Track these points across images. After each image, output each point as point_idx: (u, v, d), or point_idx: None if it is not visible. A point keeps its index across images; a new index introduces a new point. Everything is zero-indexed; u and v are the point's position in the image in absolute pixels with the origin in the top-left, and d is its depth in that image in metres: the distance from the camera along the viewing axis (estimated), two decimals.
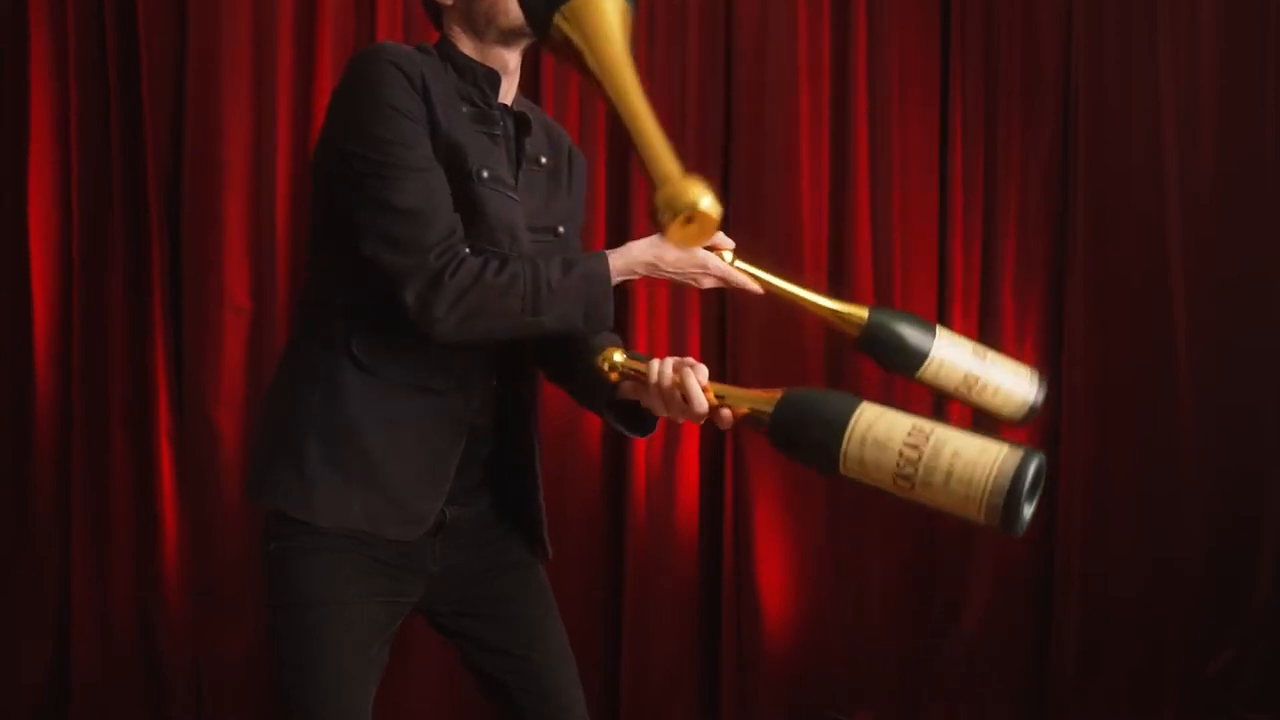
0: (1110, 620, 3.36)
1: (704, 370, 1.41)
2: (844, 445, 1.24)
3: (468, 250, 1.42)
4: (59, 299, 2.74)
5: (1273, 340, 3.38)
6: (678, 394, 1.41)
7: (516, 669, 1.64)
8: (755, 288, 1.52)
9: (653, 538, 3.07)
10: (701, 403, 1.40)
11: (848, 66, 3.21)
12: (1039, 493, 1.20)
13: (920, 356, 1.53)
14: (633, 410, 1.51)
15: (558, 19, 1.35)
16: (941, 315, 3.27)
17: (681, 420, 1.45)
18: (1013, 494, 1.15)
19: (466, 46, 1.55)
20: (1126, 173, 3.38)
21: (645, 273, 1.48)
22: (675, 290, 3.03)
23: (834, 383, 3.18)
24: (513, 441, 1.63)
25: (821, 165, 3.19)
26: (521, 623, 1.66)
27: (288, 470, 1.48)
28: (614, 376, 1.47)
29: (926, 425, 1.22)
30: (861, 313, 1.54)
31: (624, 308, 2.99)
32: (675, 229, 1.30)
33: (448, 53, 1.54)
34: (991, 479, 1.16)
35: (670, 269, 1.47)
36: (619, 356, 1.47)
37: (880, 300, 3.19)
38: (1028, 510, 1.19)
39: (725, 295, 3.11)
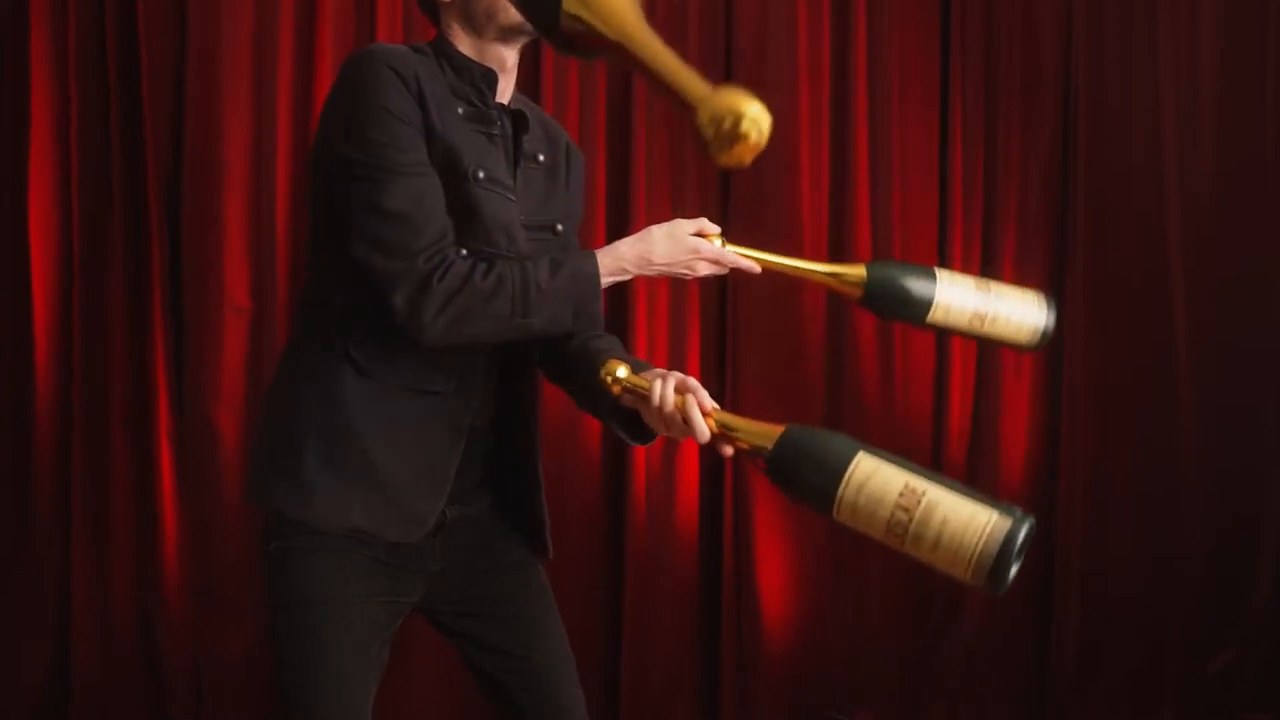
0: (1110, 620, 3.36)
1: (707, 397, 1.40)
2: (839, 494, 1.26)
3: (461, 253, 1.42)
4: (59, 299, 2.74)
5: (1273, 340, 3.38)
6: (679, 418, 1.40)
7: (516, 669, 1.64)
8: (752, 266, 1.52)
9: (653, 538, 3.07)
10: (704, 433, 1.39)
11: (848, 66, 3.21)
12: (1027, 551, 1.22)
13: (925, 303, 1.53)
14: (634, 419, 1.51)
15: (566, 7, 1.31)
16: None
17: (682, 440, 1.45)
18: (998, 563, 1.19)
19: (464, 44, 1.54)
20: (1126, 173, 3.38)
21: (636, 270, 1.48)
22: (675, 290, 3.03)
23: (833, 381, 3.19)
24: (513, 441, 1.63)
25: (821, 165, 3.19)
26: (522, 623, 1.66)
27: (288, 471, 1.48)
28: (616, 389, 1.45)
29: (919, 485, 1.23)
30: (859, 270, 1.54)
31: (624, 308, 2.99)
32: (726, 141, 1.20)
33: (445, 51, 1.53)
34: (978, 549, 1.19)
35: (661, 262, 1.47)
36: (623, 372, 1.45)
37: None
38: (1014, 569, 1.22)
39: (725, 295, 3.11)
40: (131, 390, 2.78)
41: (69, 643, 2.75)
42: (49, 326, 2.73)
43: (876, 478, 1.25)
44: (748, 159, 1.22)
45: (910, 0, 3.28)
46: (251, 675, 2.80)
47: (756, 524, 3.13)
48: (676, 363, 3.05)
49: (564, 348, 1.60)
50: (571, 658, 1.69)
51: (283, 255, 2.83)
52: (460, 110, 1.49)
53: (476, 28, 1.53)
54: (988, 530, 1.19)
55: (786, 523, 3.16)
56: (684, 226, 1.49)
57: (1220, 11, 3.42)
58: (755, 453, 1.36)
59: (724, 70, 3.14)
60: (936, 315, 1.54)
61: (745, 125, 1.17)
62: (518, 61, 1.59)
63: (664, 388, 1.40)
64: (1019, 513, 1.21)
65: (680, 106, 1.23)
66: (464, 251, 1.44)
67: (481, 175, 1.48)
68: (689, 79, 1.22)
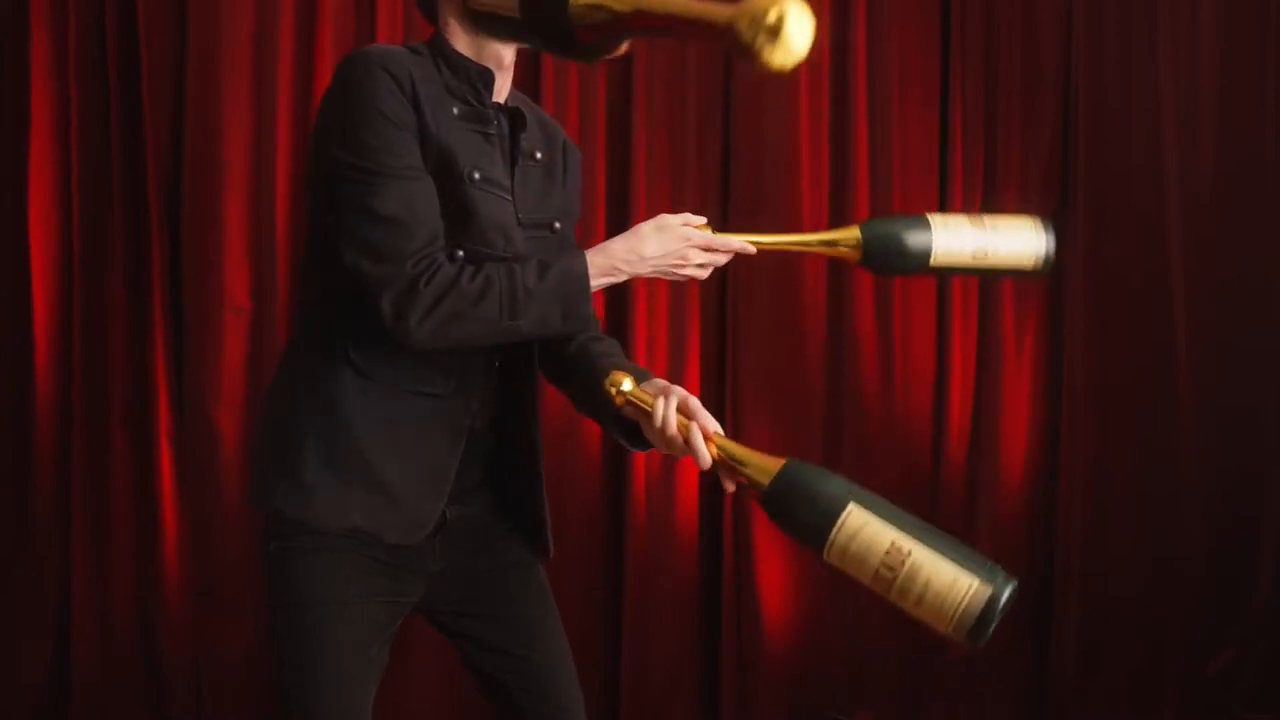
0: (1110, 620, 3.35)
1: (710, 420, 1.41)
2: (830, 539, 1.30)
3: (453, 255, 1.42)
4: (59, 299, 2.74)
5: (1273, 340, 3.37)
6: (680, 440, 1.41)
7: (516, 669, 1.64)
8: (746, 247, 1.51)
9: (653, 538, 3.07)
10: (706, 459, 1.40)
11: (848, 66, 3.21)
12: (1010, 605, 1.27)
13: (924, 252, 1.54)
14: (634, 428, 1.50)
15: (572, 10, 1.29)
16: (941, 314, 3.27)
17: (681, 458, 1.45)
18: (978, 626, 1.24)
19: (461, 42, 1.52)
20: (1126, 173, 3.38)
21: (628, 269, 1.47)
22: (675, 290, 3.03)
23: (833, 381, 3.18)
24: (513, 441, 1.62)
25: (821, 165, 3.19)
26: (522, 623, 1.65)
27: (288, 472, 1.48)
28: (620, 400, 1.45)
29: (905, 544, 1.27)
30: (853, 232, 1.54)
31: (624, 308, 2.99)
32: (772, 35, 1.16)
33: (441, 50, 1.52)
34: (959, 612, 1.24)
35: (654, 256, 1.47)
36: (627, 385, 1.44)
37: (881, 299, 3.20)
38: (994, 624, 1.26)
39: (725, 296, 3.11)
40: (131, 390, 2.78)
41: (69, 643, 2.75)
42: (49, 326, 2.73)
43: (864, 534, 1.29)
44: (803, 47, 1.19)
45: (910, 0, 3.28)
46: (251, 675, 2.80)
47: (756, 524, 3.13)
48: (677, 362, 3.05)
49: (563, 350, 1.60)
50: (571, 658, 1.69)
51: (283, 255, 2.83)
52: (456, 110, 1.49)
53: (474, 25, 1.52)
54: (969, 596, 1.25)
55: None
56: (671, 219, 1.49)
57: (1220, 11, 3.42)
58: (752, 484, 1.38)
59: (723, 70, 3.14)
60: (937, 260, 1.54)
61: (787, 6, 1.16)
62: (515, 59, 1.57)
63: (666, 408, 1.41)
64: (1001, 576, 1.26)
65: (716, 36, 1.20)
66: (460, 253, 1.44)
67: (477, 176, 1.48)
68: (713, 7, 1.21)
